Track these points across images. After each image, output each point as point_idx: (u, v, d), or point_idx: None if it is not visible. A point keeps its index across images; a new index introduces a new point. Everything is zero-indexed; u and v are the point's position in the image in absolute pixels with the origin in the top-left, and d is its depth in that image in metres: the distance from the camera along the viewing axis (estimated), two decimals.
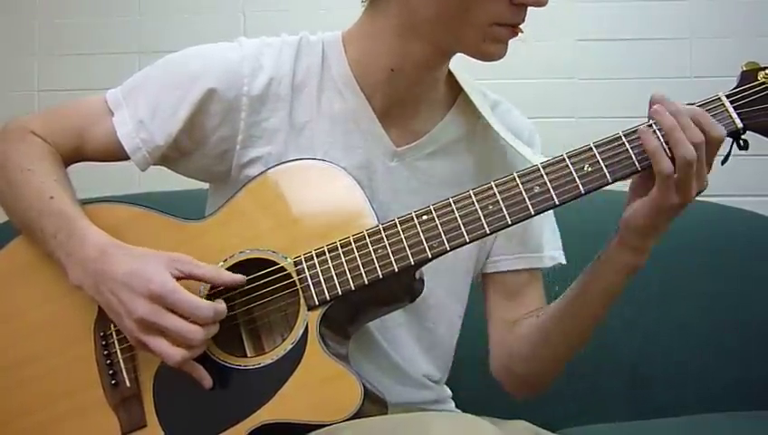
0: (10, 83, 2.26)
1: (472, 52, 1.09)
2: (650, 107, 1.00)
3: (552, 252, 1.23)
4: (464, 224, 1.00)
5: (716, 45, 2.11)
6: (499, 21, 1.04)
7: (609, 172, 0.98)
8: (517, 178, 1.00)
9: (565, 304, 1.12)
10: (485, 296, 1.25)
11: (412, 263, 1.00)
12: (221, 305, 0.99)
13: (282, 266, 1.03)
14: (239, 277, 1.02)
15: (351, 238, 1.01)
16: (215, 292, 1.03)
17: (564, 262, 1.23)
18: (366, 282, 1.00)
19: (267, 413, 0.98)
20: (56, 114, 1.18)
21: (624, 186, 1.03)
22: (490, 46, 1.06)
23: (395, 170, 1.14)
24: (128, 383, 1.04)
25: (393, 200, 1.11)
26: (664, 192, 0.96)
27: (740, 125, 0.98)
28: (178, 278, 0.99)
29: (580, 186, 0.98)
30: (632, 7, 2.15)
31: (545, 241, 1.22)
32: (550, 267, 1.23)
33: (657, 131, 0.97)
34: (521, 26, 1.05)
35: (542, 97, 2.10)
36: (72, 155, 1.15)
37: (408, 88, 1.12)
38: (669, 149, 0.96)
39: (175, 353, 0.97)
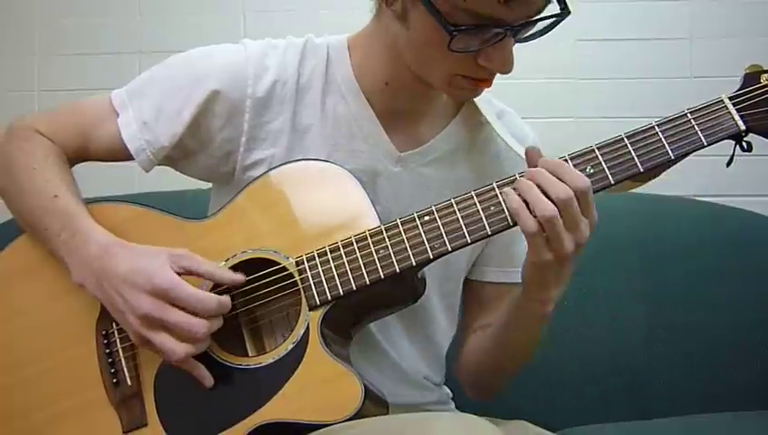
0: (10, 83, 2.26)
1: (440, 90, 1.09)
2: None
3: None
4: (465, 225, 1.00)
5: (716, 45, 2.11)
6: (463, 74, 1.03)
7: (611, 174, 0.98)
8: (519, 178, 1.00)
9: (497, 327, 1.14)
10: (462, 299, 1.25)
11: (413, 263, 1.00)
12: (225, 298, 0.99)
13: (283, 266, 1.03)
14: (238, 277, 1.02)
15: (353, 238, 1.02)
16: (216, 291, 1.03)
17: None
18: (367, 282, 1.00)
19: (268, 413, 0.98)
20: (61, 114, 1.18)
21: (624, 190, 1.03)
22: (455, 91, 1.07)
23: (398, 175, 1.14)
24: (129, 382, 1.04)
25: (395, 205, 1.11)
26: (534, 250, 0.97)
27: (743, 127, 0.98)
28: (180, 274, 0.99)
29: None
30: (632, 7, 2.16)
31: None
32: None
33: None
34: (490, 81, 1.04)
35: (542, 97, 2.10)
36: (76, 155, 1.16)
37: (404, 101, 1.13)
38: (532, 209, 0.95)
39: (179, 349, 0.97)
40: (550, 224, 0.94)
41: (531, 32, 1.00)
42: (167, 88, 1.13)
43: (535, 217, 0.94)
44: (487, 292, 1.23)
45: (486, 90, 1.07)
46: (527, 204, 0.95)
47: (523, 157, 1.12)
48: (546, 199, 0.94)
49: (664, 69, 2.11)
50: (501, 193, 0.98)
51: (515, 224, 0.99)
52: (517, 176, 0.98)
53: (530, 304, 1.05)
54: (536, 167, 0.97)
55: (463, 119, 1.18)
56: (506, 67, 1.01)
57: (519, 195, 0.96)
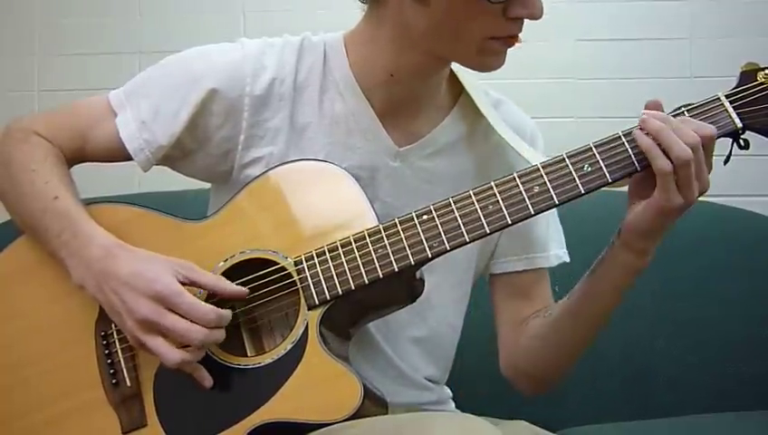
0: (10, 83, 2.26)
1: (467, 64, 1.10)
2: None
3: (557, 250, 1.24)
4: (464, 224, 1.00)
5: (716, 45, 2.11)
6: (494, 35, 1.03)
7: (608, 172, 0.98)
8: (517, 178, 1.00)
9: (571, 304, 1.12)
10: (493, 296, 1.25)
11: (412, 263, 1.00)
12: (225, 311, 0.99)
13: (282, 266, 1.03)
14: (242, 290, 1.02)
15: (352, 238, 1.02)
16: (218, 300, 1.02)
17: (568, 260, 1.24)
18: (366, 282, 1.00)
19: (267, 413, 0.98)
20: (59, 115, 1.18)
21: (623, 186, 1.03)
22: (486, 58, 1.06)
23: (397, 170, 1.14)
24: (128, 383, 1.04)
25: (395, 200, 1.11)
26: (666, 193, 0.96)
27: (740, 125, 0.98)
28: (182, 284, 0.99)
29: (580, 186, 0.99)
30: (632, 7, 2.15)
31: (550, 240, 1.23)
32: (555, 266, 1.24)
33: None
34: (519, 35, 1.04)
35: (542, 97, 2.10)
36: (75, 156, 1.16)
37: (408, 92, 1.13)
38: (664, 151, 0.95)
39: (174, 355, 0.97)
40: (686, 165, 0.94)
41: None
42: (164, 87, 1.13)
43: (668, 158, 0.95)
44: (519, 282, 1.23)
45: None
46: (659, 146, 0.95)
47: (519, 150, 1.13)
48: (683, 142, 0.94)
49: (663, 69, 2.11)
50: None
51: (513, 223, 0.99)
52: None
53: (626, 256, 1.03)
54: (646, 113, 0.97)
55: (460, 111, 1.18)
56: (540, 10, 1.02)
57: (649, 135, 0.96)
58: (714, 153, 0.98)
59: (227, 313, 0.99)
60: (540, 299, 1.22)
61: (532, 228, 1.20)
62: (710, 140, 0.96)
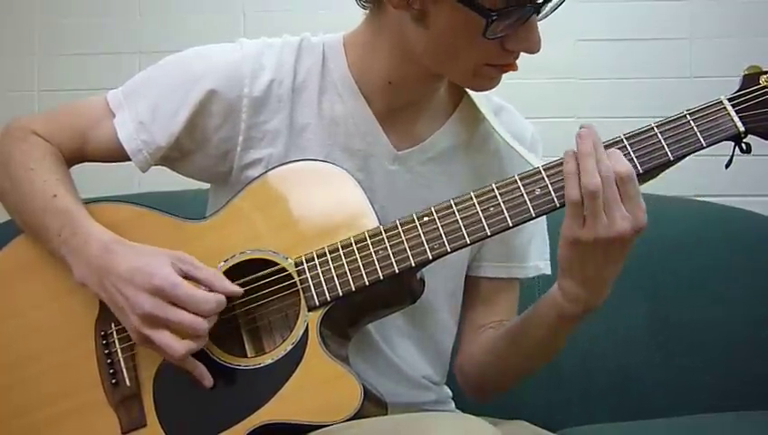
0: (10, 83, 2.25)
1: (462, 84, 1.10)
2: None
3: (538, 262, 1.22)
4: (465, 226, 1.00)
5: (716, 45, 2.11)
6: (489, 62, 1.03)
7: None
8: (518, 180, 1.00)
9: (516, 327, 1.12)
10: (463, 296, 1.24)
11: (413, 264, 1.00)
12: (222, 296, 0.99)
13: (282, 267, 1.03)
14: (237, 289, 1.02)
15: (352, 239, 1.01)
16: None
17: (549, 273, 1.22)
18: (366, 283, 1.00)
19: (267, 413, 0.98)
20: (58, 115, 1.18)
21: None
22: (481, 81, 1.07)
23: (395, 174, 1.14)
24: (128, 383, 1.04)
25: (393, 203, 1.11)
26: (569, 222, 0.96)
27: (742, 128, 0.98)
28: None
29: None
30: (632, 7, 2.15)
31: (532, 250, 1.22)
32: (533, 277, 1.23)
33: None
34: (515, 64, 1.04)
35: (542, 97, 2.10)
36: (73, 156, 1.16)
37: (407, 97, 1.13)
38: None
39: (180, 346, 0.97)
40: (591, 198, 0.93)
41: (548, 7, 1.00)
42: (163, 88, 1.13)
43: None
44: (488, 288, 1.23)
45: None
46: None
47: (521, 153, 1.13)
48: (597, 174, 0.93)
49: (663, 69, 2.11)
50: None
51: (515, 225, 0.99)
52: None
53: (557, 295, 1.02)
54: (585, 130, 0.97)
55: (461, 116, 1.17)
56: (538, 45, 1.01)
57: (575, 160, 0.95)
58: (711, 155, 0.98)
59: (222, 298, 0.99)
60: (503, 309, 1.22)
61: (515, 237, 1.19)
62: (624, 176, 0.94)
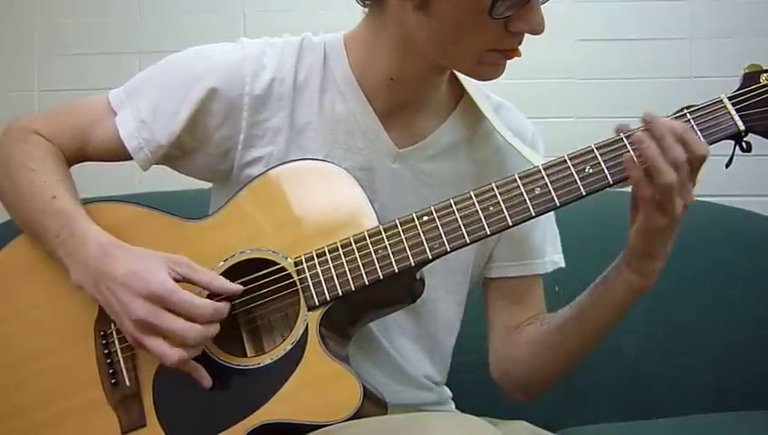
0: (10, 83, 2.26)
1: (466, 73, 1.10)
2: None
3: (553, 256, 1.23)
4: (464, 225, 0.99)
5: (716, 45, 2.11)
6: (494, 47, 1.03)
7: (610, 174, 0.98)
8: (518, 180, 1.00)
9: (572, 314, 1.12)
10: (486, 301, 1.25)
11: (412, 264, 1.00)
12: (221, 305, 0.99)
13: (282, 266, 1.03)
14: (235, 287, 1.02)
15: (352, 239, 1.01)
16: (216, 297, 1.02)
17: (563, 265, 1.24)
18: (366, 282, 1.00)
19: (267, 413, 0.98)
20: (59, 114, 1.18)
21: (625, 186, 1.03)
22: (485, 69, 1.06)
23: (397, 172, 1.14)
24: (127, 383, 1.04)
25: (394, 202, 1.11)
26: (648, 215, 0.97)
27: (742, 127, 0.98)
28: (176, 281, 0.99)
29: (581, 187, 0.98)
30: (632, 7, 2.15)
31: (547, 246, 1.23)
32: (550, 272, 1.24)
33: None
34: (518, 50, 1.04)
35: (542, 97, 2.10)
36: (74, 155, 1.16)
37: (408, 95, 1.13)
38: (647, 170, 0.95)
39: (172, 354, 0.97)
40: (668, 191, 0.94)
41: None
42: (164, 87, 1.13)
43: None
44: (513, 287, 1.22)
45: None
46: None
47: (520, 150, 1.13)
48: (670, 167, 0.93)
49: (664, 69, 2.11)
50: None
51: (514, 224, 0.99)
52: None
53: (628, 274, 1.03)
54: (643, 133, 0.96)
55: (461, 113, 1.18)
56: (541, 26, 1.01)
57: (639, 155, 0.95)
58: (711, 155, 0.98)
59: (223, 305, 0.99)
60: (533, 306, 1.22)
61: (529, 234, 1.19)
62: (701, 159, 0.95)
